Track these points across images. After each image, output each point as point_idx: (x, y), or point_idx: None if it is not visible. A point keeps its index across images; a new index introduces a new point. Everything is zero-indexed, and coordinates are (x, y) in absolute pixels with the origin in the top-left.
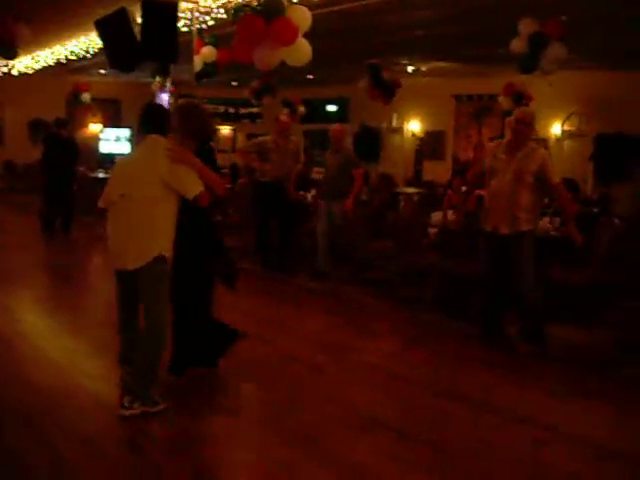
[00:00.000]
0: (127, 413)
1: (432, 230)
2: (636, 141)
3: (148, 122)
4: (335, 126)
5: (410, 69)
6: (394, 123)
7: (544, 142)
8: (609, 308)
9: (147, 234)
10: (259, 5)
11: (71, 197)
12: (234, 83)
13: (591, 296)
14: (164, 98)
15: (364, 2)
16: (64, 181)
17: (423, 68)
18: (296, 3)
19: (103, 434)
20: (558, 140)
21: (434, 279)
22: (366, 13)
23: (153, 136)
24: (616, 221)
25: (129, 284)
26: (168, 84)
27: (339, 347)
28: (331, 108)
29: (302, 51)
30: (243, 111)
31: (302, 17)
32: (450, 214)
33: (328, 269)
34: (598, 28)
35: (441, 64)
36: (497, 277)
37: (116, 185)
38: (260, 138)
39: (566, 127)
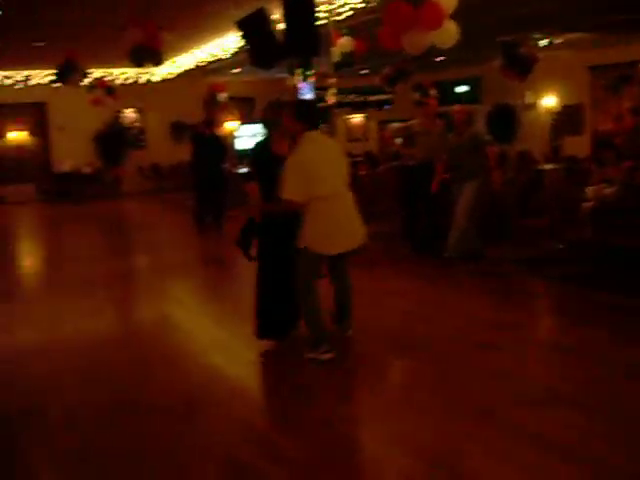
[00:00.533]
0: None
1: (586, 205)
2: None
3: (314, 116)
4: (456, 107)
5: (543, 43)
6: (528, 99)
7: None
8: None
9: (360, 218)
10: None
11: (222, 194)
12: (363, 72)
13: None
14: (305, 92)
15: None
16: (214, 179)
17: (557, 41)
18: None
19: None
20: None
21: (594, 254)
22: None
23: (323, 133)
24: None
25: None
26: (310, 77)
27: (502, 324)
28: (462, 89)
29: (450, 33)
30: (371, 99)
31: None
32: (605, 188)
33: (475, 247)
34: None
35: (575, 35)
36: None
37: (324, 181)
38: (405, 123)
39: None
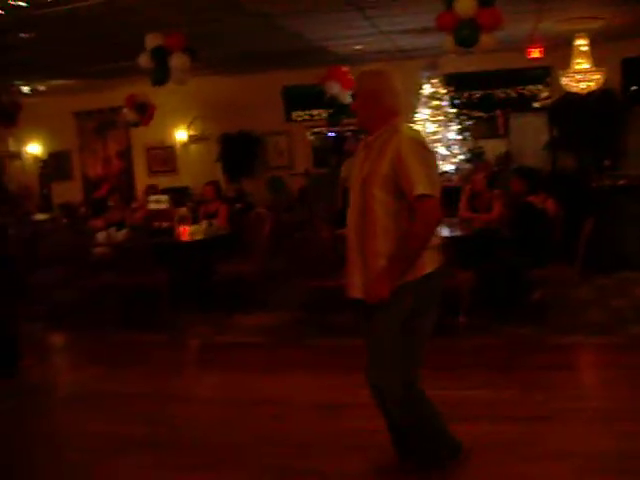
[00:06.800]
0: None
1: (99, 250)
2: (255, 138)
3: None
4: None
5: (26, 89)
6: (12, 148)
7: None
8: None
9: None
10: None
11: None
12: None
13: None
14: None
15: None
16: None
17: (41, 88)
18: None
19: None
20: (184, 145)
21: (118, 297)
22: None
23: None
24: (263, 211)
25: None
26: None
27: None
28: None
29: None
30: None
31: None
32: (115, 232)
33: None
34: (216, 38)
35: (59, 82)
36: None
37: None
38: None
39: (191, 132)
